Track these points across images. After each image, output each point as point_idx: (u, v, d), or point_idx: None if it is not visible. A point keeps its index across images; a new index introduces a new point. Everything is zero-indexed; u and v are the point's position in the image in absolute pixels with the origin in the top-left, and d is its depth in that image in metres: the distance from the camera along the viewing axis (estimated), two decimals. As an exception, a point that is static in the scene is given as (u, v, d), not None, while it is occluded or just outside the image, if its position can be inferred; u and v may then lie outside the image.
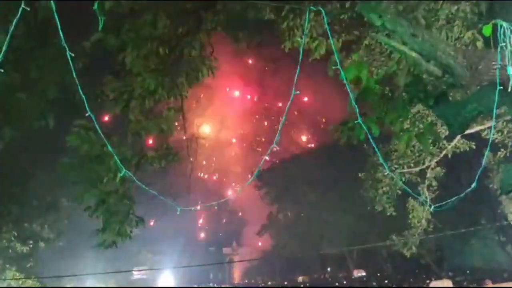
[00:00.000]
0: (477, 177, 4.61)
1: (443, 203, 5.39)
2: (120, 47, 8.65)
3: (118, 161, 4.88)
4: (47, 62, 8.52)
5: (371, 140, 4.68)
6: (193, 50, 9.32)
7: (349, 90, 4.68)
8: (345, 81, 4.85)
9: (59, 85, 8.63)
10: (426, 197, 17.56)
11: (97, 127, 4.45)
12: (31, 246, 26.88)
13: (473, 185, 4.92)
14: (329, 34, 4.87)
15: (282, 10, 8.91)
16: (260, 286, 47.96)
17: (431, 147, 14.61)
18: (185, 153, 9.86)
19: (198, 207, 5.85)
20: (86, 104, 4.15)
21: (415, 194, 15.30)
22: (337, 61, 4.39)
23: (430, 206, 5.39)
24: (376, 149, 4.49)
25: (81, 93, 4.18)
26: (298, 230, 53.28)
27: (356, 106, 4.51)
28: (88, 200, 8.86)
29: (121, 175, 5.13)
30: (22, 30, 8.03)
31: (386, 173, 15.58)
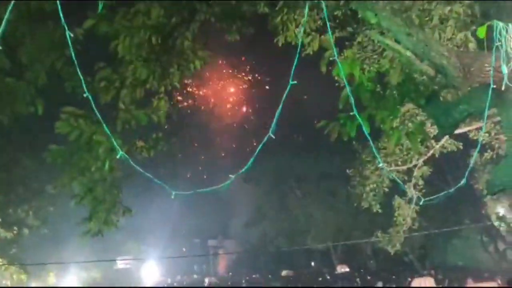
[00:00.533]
0: (466, 174, 4.67)
1: (433, 197, 5.45)
2: (113, 35, 8.59)
3: (114, 142, 4.85)
4: (38, 48, 8.42)
5: (366, 134, 4.69)
6: (186, 41, 9.28)
7: (345, 83, 4.68)
8: (339, 76, 4.86)
9: (49, 72, 8.54)
10: (413, 195, 17.73)
11: (95, 109, 4.39)
12: (15, 232, 26.67)
13: (463, 181, 4.98)
14: (328, 26, 4.86)
15: (276, 4, 8.91)
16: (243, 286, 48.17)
17: (419, 147, 14.75)
18: (175, 142, 9.85)
19: (191, 192, 5.85)
20: (83, 85, 4.10)
21: (405, 188, 15.43)
22: (335, 55, 4.39)
23: (420, 199, 5.43)
24: (371, 142, 4.51)
25: (80, 73, 4.13)
26: (284, 224, 53.52)
27: (352, 97, 4.52)
28: (75, 188, 8.82)
29: (117, 156, 5.08)
30: (14, 16, 7.94)
31: (378, 166, 15.66)
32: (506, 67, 4.01)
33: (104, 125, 5.05)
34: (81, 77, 4.21)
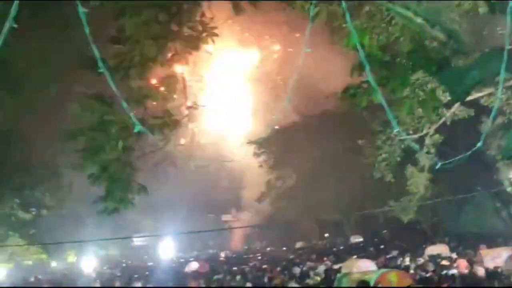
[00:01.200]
0: (483, 137, 4.65)
1: (450, 160, 5.45)
2: (119, 13, 8.56)
3: (133, 117, 4.86)
4: (48, 31, 8.46)
5: (382, 101, 4.66)
6: (193, 17, 9.23)
7: (360, 51, 4.64)
8: (350, 46, 4.84)
9: (60, 53, 8.59)
10: (424, 164, 17.76)
11: (112, 84, 4.40)
12: (33, 213, 27.17)
13: (479, 144, 4.97)
14: None
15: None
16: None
17: (432, 114, 14.67)
18: (186, 120, 9.88)
19: (208, 164, 5.89)
20: (98, 59, 4.12)
21: (420, 152, 15.30)
22: (349, 22, 4.35)
23: (436, 164, 5.44)
24: (387, 108, 4.47)
25: (95, 50, 4.15)
26: (297, 197, 53.74)
27: (367, 64, 4.47)
28: (90, 169, 8.92)
29: (136, 130, 5.12)
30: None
31: (395, 132, 15.59)
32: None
33: (124, 103, 5.06)
34: (97, 54, 4.23)
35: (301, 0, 8.24)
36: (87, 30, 4.14)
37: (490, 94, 15.09)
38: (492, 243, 24.34)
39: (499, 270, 14.40)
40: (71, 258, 47.51)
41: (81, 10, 4.04)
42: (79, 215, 37.72)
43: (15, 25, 3.80)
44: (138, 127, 4.87)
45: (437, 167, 5.34)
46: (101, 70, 4.36)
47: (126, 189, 9.14)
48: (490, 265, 16.04)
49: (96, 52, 4.23)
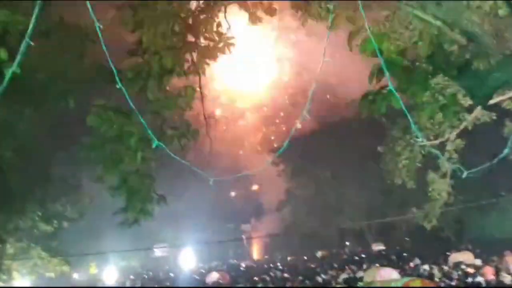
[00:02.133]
0: (510, 143, 4.53)
1: (476, 169, 5.34)
2: (136, 25, 8.62)
3: (150, 131, 4.88)
4: (64, 43, 8.55)
5: (402, 107, 4.58)
6: (209, 27, 9.26)
7: (380, 57, 4.57)
8: (368, 52, 4.78)
9: (78, 67, 8.67)
10: (447, 170, 17.49)
11: (128, 98, 4.41)
12: (55, 225, 27.42)
13: (506, 151, 4.86)
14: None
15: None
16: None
17: (454, 119, 14.47)
18: (204, 131, 9.88)
19: (229, 178, 5.89)
20: (116, 75, 4.14)
21: (442, 159, 15.11)
22: (367, 28, 4.30)
23: (462, 172, 5.32)
24: (408, 116, 4.41)
25: (111, 63, 4.16)
26: (316, 205, 53.47)
27: (387, 72, 4.42)
28: (109, 180, 8.96)
29: (154, 146, 5.13)
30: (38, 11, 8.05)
31: (416, 139, 15.40)
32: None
33: (137, 113, 5.08)
34: (113, 68, 4.24)
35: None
36: (103, 45, 4.15)
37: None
38: (518, 249, 23.87)
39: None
40: (93, 269, 47.87)
41: (97, 24, 4.06)
42: (100, 227, 38.03)
43: (32, 43, 3.84)
44: (156, 143, 4.87)
45: (463, 176, 5.21)
46: (118, 86, 4.37)
47: (146, 200, 9.15)
48: (517, 272, 15.72)
49: (113, 67, 4.23)
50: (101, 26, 4.00)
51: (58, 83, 8.48)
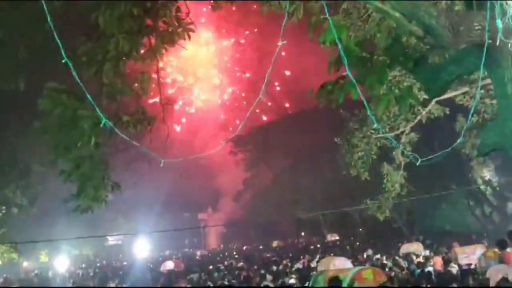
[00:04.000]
0: (462, 133, 4.63)
1: (430, 157, 5.46)
2: (93, 8, 8.35)
3: (99, 111, 4.73)
4: (16, 23, 8.19)
5: (361, 96, 4.62)
6: (168, 12, 9.07)
7: (340, 45, 4.58)
8: (327, 42, 4.78)
9: (30, 48, 8.32)
10: (400, 162, 17.89)
11: (77, 78, 4.26)
12: (3, 212, 26.51)
13: (459, 139, 4.98)
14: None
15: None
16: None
17: (408, 111, 14.78)
18: (160, 117, 9.70)
19: (179, 159, 5.79)
20: (62, 51, 3.97)
21: (399, 147, 15.40)
22: (326, 12, 4.29)
23: (417, 160, 5.43)
24: (366, 104, 4.45)
25: (57, 39, 3.99)
26: (273, 195, 53.85)
27: (345, 59, 4.44)
28: (62, 165, 8.70)
29: (101, 125, 4.98)
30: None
31: (374, 128, 15.63)
32: (501, 21, 3.94)
33: (89, 96, 4.92)
34: (59, 43, 4.06)
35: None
36: (50, 23, 3.98)
37: (465, 93, 15.27)
38: (466, 241, 24.72)
39: (473, 267, 14.57)
40: (44, 257, 46.74)
41: (45, 5, 3.88)
42: (51, 214, 37.06)
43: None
44: (104, 121, 4.73)
45: (418, 163, 5.32)
46: (64, 60, 4.19)
47: (99, 186, 8.94)
48: (464, 262, 16.25)
49: (59, 41, 4.06)
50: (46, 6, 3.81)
51: (8, 64, 8.12)
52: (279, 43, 4.30)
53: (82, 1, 8.27)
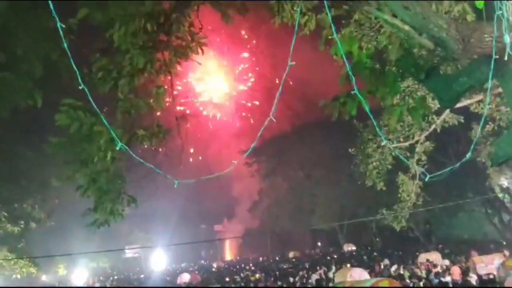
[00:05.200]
0: (472, 147, 4.63)
1: (438, 172, 5.44)
2: (107, 24, 8.50)
3: (113, 133, 4.82)
4: (32, 40, 8.36)
5: (367, 112, 4.66)
6: (182, 27, 9.20)
7: (345, 60, 4.63)
8: (337, 55, 4.82)
9: (46, 64, 8.48)
10: (416, 171, 17.77)
11: (91, 99, 4.35)
12: (22, 226, 26.81)
13: (468, 155, 4.96)
14: (326, 5, 4.79)
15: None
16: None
17: (422, 121, 14.71)
18: (175, 131, 9.79)
19: (194, 180, 5.84)
20: (79, 77, 4.06)
21: (409, 164, 15.35)
22: (334, 32, 4.35)
23: (425, 175, 5.42)
24: (372, 119, 4.48)
25: (74, 65, 4.08)
26: (289, 206, 53.70)
27: (353, 76, 4.48)
28: (79, 180, 8.80)
29: (117, 148, 5.06)
30: (5, 8, 7.86)
31: (382, 144, 15.62)
32: (508, 36, 3.95)
33: (102, 115, 5.01)
34: (76, 69, 4.16)
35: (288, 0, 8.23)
36: (65, 45, 4.07)
37: (479, 101, 15.18)
38: (484, 249, 24.40)
39: (492, 277, 14.40)
40: (62, 271, 47.06)
41: (60, 24, 3.98)
42: (68, 227, 37.38)
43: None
44: (119, 145, 4.81)
45: (426, 179, 5.32)
46: (80, 87, 4.29)
47: (116, 200, 9.02)
48: (483, 272, 16.05)
49: (75, 67, 4.15)
50: (63, 26, 3.91)
51: (25, 81, 8.27)
52: (289, 63, 4.35)
53: (96, 18, 8.39)
